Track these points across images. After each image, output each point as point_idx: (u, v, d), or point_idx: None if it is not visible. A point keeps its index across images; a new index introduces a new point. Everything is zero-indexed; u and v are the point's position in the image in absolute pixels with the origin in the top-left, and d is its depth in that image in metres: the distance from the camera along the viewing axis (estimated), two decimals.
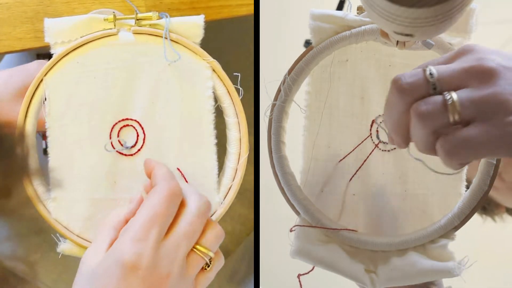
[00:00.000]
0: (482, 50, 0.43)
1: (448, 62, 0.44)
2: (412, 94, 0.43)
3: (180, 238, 0.51)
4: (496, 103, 0.40)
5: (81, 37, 0.60)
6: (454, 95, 0.41)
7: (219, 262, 0.56)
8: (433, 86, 0.43)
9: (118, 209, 0.57)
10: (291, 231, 0.60)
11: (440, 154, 0.43)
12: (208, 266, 0.55)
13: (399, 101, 0.44)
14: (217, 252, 0.55)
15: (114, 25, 0.60)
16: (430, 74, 0.43)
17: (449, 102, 0.41)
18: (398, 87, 0.44)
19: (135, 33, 0.60)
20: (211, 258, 0.54)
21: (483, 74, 0.41)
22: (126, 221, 0.54)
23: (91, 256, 0.52)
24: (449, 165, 0.44)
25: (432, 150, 0.45)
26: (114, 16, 0.60)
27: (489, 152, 0.41)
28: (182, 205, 0.54)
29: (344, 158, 0.63)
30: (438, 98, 0.42)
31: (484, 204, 0.92)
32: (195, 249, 0.53)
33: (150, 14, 0.60)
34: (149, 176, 0.57)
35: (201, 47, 0.61)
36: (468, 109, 0.41)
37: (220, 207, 0.62)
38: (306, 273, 0.60)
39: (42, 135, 0.78)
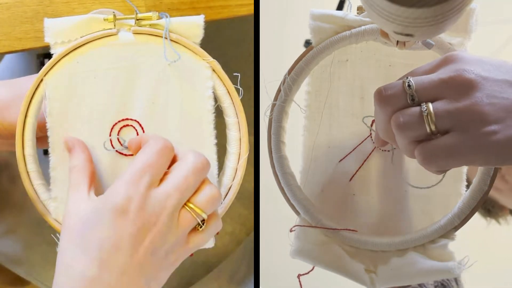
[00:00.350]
0: (464, 59, 0.44)
1: (432, 71, 0.46)
2: (392, 105, 0.46)
3: (171, 189, 0.52)
4: (472, 115, 0.42)
5: (81, 37, 0.60)
6: (430, 107, 0.43)
7: (215, 225, 0.56)
8: (411, 98, 0.45)
9: (71, 161, 0.57)
10: (291, 231, 0.60)
11: (418, 160, 0.45)
12: (201, 227, 0.54)
13: (381, 111, 0.47)
14: (212, 214, 0.55)
15: (114, 25, 0.60)
16: (408, 86, 0.45)
17: (425, 114, 0.43)
18: (379, 98, 0.47)
19: (135, 33, 0.60)
20: (204, 219, 0.54)
21: (461, 86, 0.42)
22: (91, 163, 0.57)
23: (73, 206, 0.53)
24: (429, 170, 0.46)
25: (413, 156, 0.46)
26: (114, 16, 0.60)
27: (465, 162, 0.43)
28: (179, 161, 0.54)
29: (344, 158, 0.63)
30: (416, 109, 0.44)
31: (489, 207, 0.92)
32: (186, 206, 0.53)
33: (150, 14, 0.60)
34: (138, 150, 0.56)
35: (201, 47, 0.61)
36: (444, 120, 0.43)
37: (220, 207, 0.62)
38: (306, 273, 0.60)
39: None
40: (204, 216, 0.54)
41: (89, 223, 0.51)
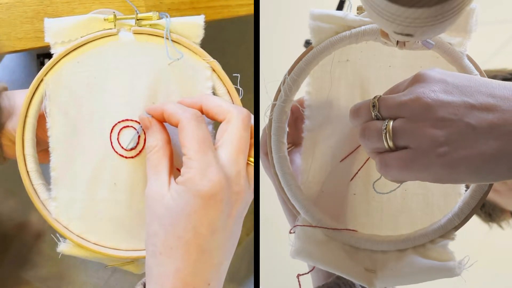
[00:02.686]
0: (429, 80, 0.48)
1: (402, 90, 0.50)
2: (360, 119, 0.52)
3: (236, 154, 0.54)
4: (424, 136, 0.46)
5: (81, 37, 0.60)
6: (390, 124, 0.48)
7: None
8: (376, 117, 0.50)
9: (151, 141, 0.56)
10: (290, 232, 0.60)
11: (376, 168, 0.51)
12: None
13: (353, 123, 0.54)
14: None
15: (114, 25, 0.60)
16: (373, 106, 0.50)
17: (384, 131, 0.48)
18: (351, 112, 0.54)
19: (135, 33, 0.60)
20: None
21: (418, 109, 0.46)
22: (169, 143, 0.56)
23: (158, 195, 0.53)
24: (386, 179, 0.50)
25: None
26: (114, 16, 0.60)
27: (417, 177, 0.48)
28: (225, 122, 0.55)
29: (344, 158, 0.63)
30: (378, 125, 0.49)
31: (489, 211, 0.91)
32: (249, 161, 0.56)
33: (150, 14, 0.60)
34: (160, 120, 0.57)
35: (201, 47, 0.61)
36: (401, 137, 0.47)
37: None
38: (306, 273, 0.60)
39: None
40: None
41: (181, 214, 0.52)
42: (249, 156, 0.56)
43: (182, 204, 0.52)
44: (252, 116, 0.56)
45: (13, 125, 0.64)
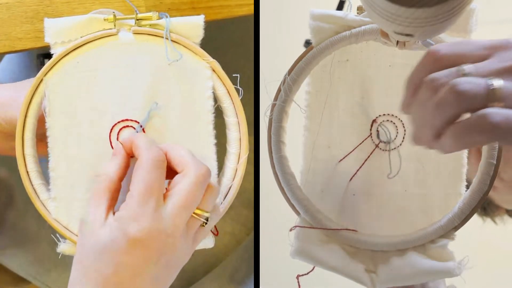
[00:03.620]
0: None
1: (484, 56, 0.43)
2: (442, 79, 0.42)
3: (180, 207, 0.53)
4: None
5: (81, 37, 0.60)
6: (501, 82, 0.40)
7: (216, 216, 0.58)
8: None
9: (106, 167, 0.56)
10: (290, 231, 0.60)
11: (451, 133, 0.42)
12: (205, 223, 0.56)
13: (425, 70, 0.43)
14: (213, 208, 0.57)
15: (114, 25, 0.60)
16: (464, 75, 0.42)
17: (491, 88, 0.40)
18: (433, 60, 0.43)
19: (135, 33, 0.60)
20: (207, 217, 0.56)
21: None
22: (120, 180, 0.55)
23: (92, 225, 0.53)
24: (452, 148, 0.42)
25: (436, 136, 0.43)
26: (114, 16, 0.60)
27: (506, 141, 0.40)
28: (181, 174, 0.54)
29: (344, 158, 0.63)
30: (481, 80, 0.41)
31: (484, 206, 0.91)
32: (194, 214, 0.55)
33: (150, 14, 0.60)
34: (129, 151, 0.57)
35: (201, 47, 0.61)
36: (509, 97, 0.40)
37: (220, 207, 0.62)
38: (305, 274, 0.60)
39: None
40: (207, 214, 0.56)
41: (106, 249, 0.52)
42: (198, 208, 0.55)
43: (110, 240, 0.51)
44: (211, 174, 0.55)
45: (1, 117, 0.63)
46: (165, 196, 0.53)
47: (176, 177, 0.55)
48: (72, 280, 0.53)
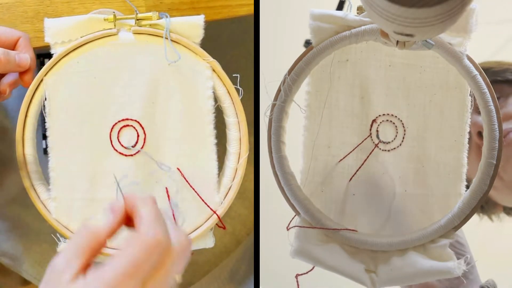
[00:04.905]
0: None
1: None
2: None
3: (119, 276, 0.43)
4: None
5: (81, 37, 0.60)
6: None
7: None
8: None
9: (98, 224, 0.47)
10: (288, 229, 0.60)
11: None
12: None
13: None
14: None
15: (114, 25, 0.60)
16: None
17: None
18: None
19: (135, 33, 0.60)
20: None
21: None
22: (106, 238, 0.47)
23: (59, 277, 0.44)
24: None
25: None
26: (114, 16, 0.60)
27: None
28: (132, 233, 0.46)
29: (344, 158, 0.63)
30: None
31: (482, 203, 0.91)
32: None
33: (150, 14, 0.60)
34: (130, 213, 0.48)
35: (201, 47, 0.61)
36: None
37: (220, 207, 0.62)
38: (305, 273, 0.60)
39: (42, 135, 0.78)
40: (178, 278, 0.49)
41: None
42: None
43: None
44: (162, 248, 0.45)
45: None
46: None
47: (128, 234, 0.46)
48: None
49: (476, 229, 0.60)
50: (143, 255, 0.44)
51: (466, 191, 0.60)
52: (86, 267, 0.45)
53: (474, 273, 0.61)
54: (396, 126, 0.63)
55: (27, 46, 0.62)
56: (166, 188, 0.61)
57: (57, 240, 0.61)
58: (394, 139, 0.63)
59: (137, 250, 0.44)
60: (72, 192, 0.61)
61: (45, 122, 0.61)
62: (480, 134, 0.77)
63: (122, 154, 0.61)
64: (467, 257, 0.58)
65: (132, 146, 0.61)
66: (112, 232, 0.47)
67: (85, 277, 0.44)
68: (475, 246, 0.62)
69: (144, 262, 0.44)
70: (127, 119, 0.61)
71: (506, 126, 0.77)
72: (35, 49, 0.70)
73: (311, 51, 0.58)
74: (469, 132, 0.62)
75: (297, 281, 0.59)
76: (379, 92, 0.62)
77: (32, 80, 0.61)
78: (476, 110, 0.60)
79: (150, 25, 0.60)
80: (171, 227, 0.47)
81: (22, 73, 0.62)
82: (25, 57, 0.61)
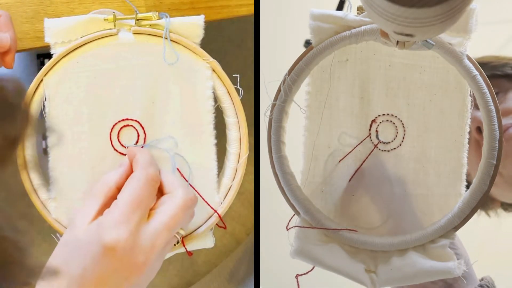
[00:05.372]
0: None
1: None
2: None
3: (161, 229, 0.52)
4: None
5: (81, 37, 0.60)
6: None
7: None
8: None
9: (109, 174, 0.56)
10: (287, 229, 0.60)
11: None
12: (178, 242, 0.56)
13: None
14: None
15: (114, 25, 0.60)
16: None
17: None
18: None
19: (135, 33, 0.60)
20: (182, 235, 0.56)
21: None
22: (118, 189, 0.54)
23: (77, 223, 0.53)
24: None
25: None
26: (114, 16, 0.60)
27: None
28: (169, 195, 0.54)
29: (344, 158, 0.63)
30: None
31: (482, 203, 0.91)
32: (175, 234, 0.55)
33: (150, 14, 0.60)
34: (131, 162, 0.57)
35: (201, 47, 0.61)
36: None
37: (220, 207, 0.62)
38: (305, 273, 0.60)
39: (42, 135, 0.78)
40: (183, 232, 0.56)
41: (79, 250, 0.51)
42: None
43: (85, 243, 0.51)
44: (197, 200, 0.55)
45: None
46: (149, 215, 0.53)
47: (163, 197, 0.54)
48: (45, 269, 0.51)
49: (474, 227, 0.60)
50: (140, 188, 0.53)
51: (466, 191, 0.60)
52: (102, 210, 0.53)
53: (469, 271, 0.62)
54: (396, 126, 0.63)
55: (7, 25, 0.61)
56: (177, 168, 0.61)
57: (56, 240, 0.61)
58: (394, 139, 0.63)
59: (135, 185, 0.53)
60: (72, 192, 0.61)
61: (45, 122, 0.61)
62: (479, 130, 0.77)
63: (122, 154, 0.61)
64: (467, 257, 0.58)
65: None
66: (121, 181, 0.55)
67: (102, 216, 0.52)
68: (473, 244, 0.62)
69: (142, 194, 0.52)
70: (127, 119, 0.61)
71: (505, 121, 0.77)
72: (35, 49, 0.70)
73: (311, 51, 0.58)
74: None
75: (297, 281, 0.59)
76: (379, 92, 0.62)
77: (13, 60, 0.60)
78: (474, 105, 0.60)
79: (150, 25, 0.60)
80: (178, 183, 0.55)
81: (2, 54, 0.61)
82: (5, 36, 0.60)
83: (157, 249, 0.52)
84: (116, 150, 0.61)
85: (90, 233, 0.51)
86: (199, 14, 0.61)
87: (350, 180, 0.63)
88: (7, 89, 0.38)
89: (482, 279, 0.61)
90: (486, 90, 0.56)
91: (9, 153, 0.38)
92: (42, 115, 0.61)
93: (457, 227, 0.58)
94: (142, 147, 0.61)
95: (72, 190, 0.61)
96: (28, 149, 0.60)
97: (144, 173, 0.54)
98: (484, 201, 0.57)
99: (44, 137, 0.62)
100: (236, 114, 0.62)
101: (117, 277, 0.50)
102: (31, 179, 0.61)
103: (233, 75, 0.61)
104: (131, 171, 0.56)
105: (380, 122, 0.63)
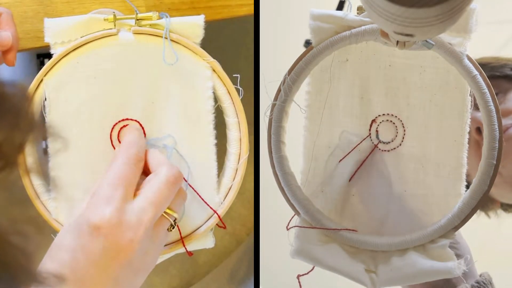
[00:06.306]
0: None
1: None
2: None
3: (146, 204, 0.52)
4: None
5: (81, 37, 0.60)
6: None
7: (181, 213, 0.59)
8: None
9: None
10: (287, 229, 0.60)
11: None
12: (173, 227, 0.56)
13: None
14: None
15: (114, 25, 0.60)
16: None
17: None
18: None
19: (135, 33, 0.60)
20: (175, 218, 0.56)
21: None
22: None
23: (73, 213, 0.54)
24: None
25: None
26: (114, 16, 0.60)
27: None
28: (153, 173, 0.55)
29: (344, 158, 0.63)
30: None
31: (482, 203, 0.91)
32: (164, 214, 0.54)
33: (150, 14, 0.60)
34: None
35: (201, 47, 0.61)
36: None
37: (220, 207, 0.62)
38: (305, 274, 0.60)
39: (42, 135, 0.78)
40: (176, 215, 0.55)
41: (70, 232, 0.52)
42: (168, 208, 0.54)
43: (74, 226, 0.51)
44: (182, 176, 0.56)
45: None
46: (135, 194, 0.53)
47: (149, 176, 0.55)
48: (51, 247, 0.53)
49: (474, 227, 0.60)
50: (123, 166, 0.53)
51: (466, 191, 0.60)
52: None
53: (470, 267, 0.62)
54: (396, 126, 0.63)
55: (9, 23, 0.61)
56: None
57: None
58: (394, 139, 0.63)
59: (118, 163, 0.54)
60: (72, 192, 0.61)
61: (45, 122, 0.61)
62: (478, 130, 0.77)
63: None
64: (467, 257, 0.58)
65: None
66: None
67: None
68: (473, 244, 0.62)
69: (125, 171, 0.53)
70: (127, 119, 0.61)
71: (505, 122, 0.77)
72: (35, 49, 0.70)
73: (311, 51, 0.58)
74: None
75: (299, 282, 0.59)
76: (379, 92, 0.62)
77: (15, 58, 0.61)
78: (474, 106, 0.60)
79: (150, 25, 0.60)
80: (163, 160, 0.56)
81: (4, 52, 0.61)
82: (7, 34, 0.60)
83: (144, 225, 0.51)
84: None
85: (80, 218, 0.52)
86: (199, 14, 0.61)
87: (350, 180, 0.63)
88: (12, 94, 0.39)
89: (480, 275, 0.61)
90: (486, 90, 0.56)
91: (14, 158, 0.38)
92: (42, 115, 0.61)
93: (457, 227, 0.58)
94: None
95: (72, 190, 0.61)
96: (28, 149, 0.60)
97: (124, 152, 0.55)
98: (484, 201, 0.57)
99: (44, 137, 0.62)
100: (236, 114, 0.62)
101: (106, 256, 0.50)
102: (31, 179, 0.61)
103: (233, 75, 0.61)
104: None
105: (380, 122, 0.63)
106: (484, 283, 0.59)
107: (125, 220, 0.51)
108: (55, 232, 0.61)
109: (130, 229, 0.51)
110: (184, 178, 0.61)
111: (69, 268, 0.50)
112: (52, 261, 0.51)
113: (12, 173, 0.37)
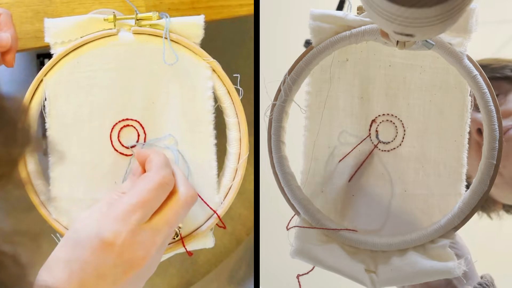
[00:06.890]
0: None
1: None
2: None
3: (162, 225, 0.52)
4: None
5: (81, 37, 0.60)
6: None
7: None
8: None
9: (124, 183, 0.56)
10: (287, 229, 0.60)
11: None
12: (177, 236, 0.57)
13: None
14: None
15: (114, 25, 0.60)
16: None
17: None
18: None
19: (135, 33, 0.60)
20: (180, 227, 0.57)
21: None
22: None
23: (82, 219, 0.52)
24: None
25: None
26: (114, 16, 0.60)
27: None
28: (171, 192, 0.54)
29: (344, 158, 0.63)
30: None
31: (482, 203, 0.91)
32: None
33: (150, 14, 0.60)
34: (142, 164, 0.57)
35: (201, 47, 0.61)
36: None
37: (220, 207, 0.62)
38: (305, 273, 0.60)
39: (42, 135, 0.78)
40: (181, 225, 0.57)
41: (79, 242, 0.51)
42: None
43: (85, 236, 0.50)
44: (197, 197, 0.55)
45: None
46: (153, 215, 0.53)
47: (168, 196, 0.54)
48: (48, 260, 0.51)
49: (476, 228, 0.60)
50: (151, 191, 0.51)
51: (466, 191, 0.60)
52: None
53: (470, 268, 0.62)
54: (396, 126, 0.63)
55: (8, 24, 0.61)
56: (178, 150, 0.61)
57: (57, 241, 0.61)
58: (394, 139, 0.63)
59: (147, 186, 0.52)
60: (72, 192, 0.61)
61: (45, 122, 0.61)
62: (479, 131, 0.77)
63: (122, 154, 0.61)
64: (467, 257, 0.58)
65: (132, 146, 0.61)
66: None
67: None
68: (474, 245, 0.62)
69: (150, 197, 0.51)
70: (127, 119, 0.61)
71: (505, 123, 0.77)
72: (35, 49, 0.70)
73: (311, 51, 0.58)
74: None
75: (298, 282, 0.59)
76: (379, 92, 0.62)
77: (14, 59, 0.60)
78: (475, 107, 0.60)
79: (150, 25, 0.60)
80: (181, 179, 0.55)
81: (3, 53, 0.60)
82: (6, 36, 0.59)
83: (157, 245, 0.52)
84: (116, 150, 0.61)
85: (90, 227, 0.51)
86: (199, 14, 0.61)
87: (350, 180, 0.63)
88: (9, 108, 0.38)
89: (482, 277, 0.61)
90: (486, 90, 0.56)
91: (10, 170, 0.38)
92: (42, 115, 0.61)
93: (457, 227, 0.58)
94: (142, 145, 0.61)
95: (72, 190, 0.61)
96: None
97: (158, 175, 0.53)
98: (484, 201, 0.57)
99: (44, 137, 0.62)
100: (236, 114, 0.62)
101: (116, 271, 0.50)
102: (31, 179, 0.61)
103: (233, 75, 0.61)
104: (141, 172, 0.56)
105: (380, 122, 0.63)
106: (487, 285, 0.59)
107: (140, 240, 0.51)
108: (55, 232, 0.61)
109: (143, 249, 0.51)
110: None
111: (77, 279, 0.49)
112: (53, 272, 0.50)
113: (7, 185, 0.37)
